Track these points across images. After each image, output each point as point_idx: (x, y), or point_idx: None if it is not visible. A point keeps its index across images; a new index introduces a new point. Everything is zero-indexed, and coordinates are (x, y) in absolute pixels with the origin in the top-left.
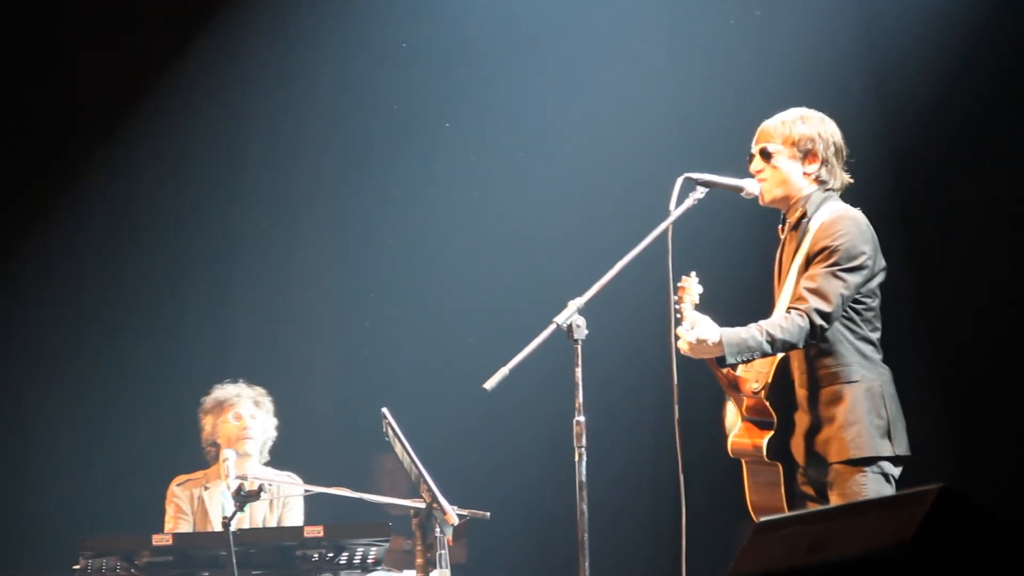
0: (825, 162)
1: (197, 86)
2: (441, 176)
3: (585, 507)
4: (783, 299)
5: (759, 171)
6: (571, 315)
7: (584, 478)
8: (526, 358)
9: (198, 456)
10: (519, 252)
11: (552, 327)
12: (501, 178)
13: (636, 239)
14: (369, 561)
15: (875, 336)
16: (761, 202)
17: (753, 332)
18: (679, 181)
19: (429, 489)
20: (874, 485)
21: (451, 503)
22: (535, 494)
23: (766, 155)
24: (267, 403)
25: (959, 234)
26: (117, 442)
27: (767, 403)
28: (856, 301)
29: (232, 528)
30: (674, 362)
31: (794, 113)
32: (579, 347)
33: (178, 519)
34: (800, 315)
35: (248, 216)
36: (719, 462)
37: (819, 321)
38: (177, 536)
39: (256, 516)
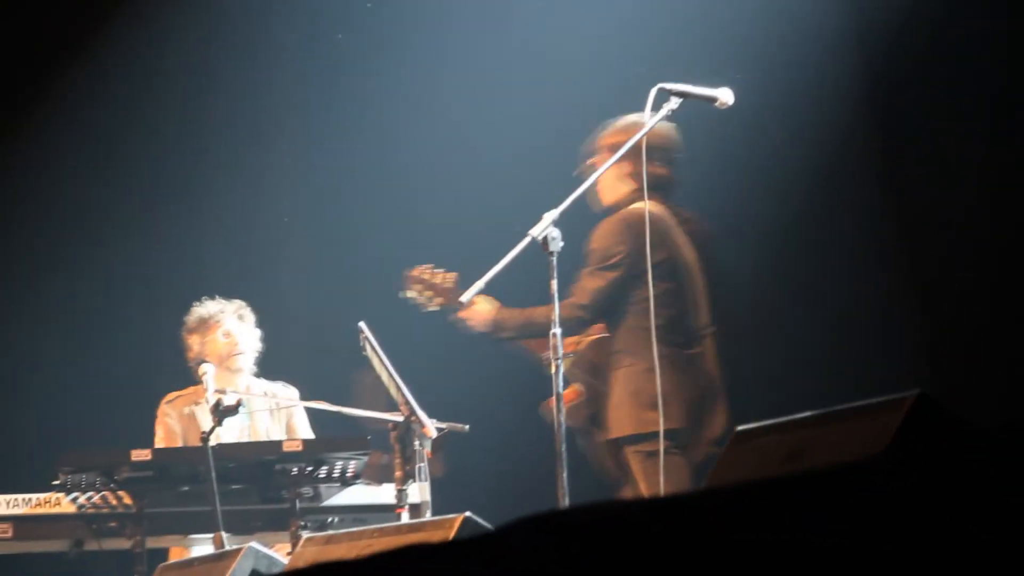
0: (633, 168)
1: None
2: (413, 88)
3: (563, 419)
4: None
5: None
6: (546, 227)
7: (561, 389)
8: (501, 270)
9: (182, 375)
10: (494, 165)
11: (527, 239)
12: (473, 91)
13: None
14: (348, 475)
15: (656, 322)
16: (601, 206)
17: (522, 314)
18: (653, 91)
19: (407, 402)
20: (641, 460)
21: (429, 416)
22: (513, 407)
23: (595, 164)
24: (249, 315)
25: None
26: (99, 363)
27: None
28: (628, 292)
29: (212, 442)
30: (649, 274)
31: (616, 126)
32: (554, 259)
33: (168, 438)
34: (566, 306)
35: (221, 131)
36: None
37: (578, 313)
38: (156, 451)
39: (259, 428)
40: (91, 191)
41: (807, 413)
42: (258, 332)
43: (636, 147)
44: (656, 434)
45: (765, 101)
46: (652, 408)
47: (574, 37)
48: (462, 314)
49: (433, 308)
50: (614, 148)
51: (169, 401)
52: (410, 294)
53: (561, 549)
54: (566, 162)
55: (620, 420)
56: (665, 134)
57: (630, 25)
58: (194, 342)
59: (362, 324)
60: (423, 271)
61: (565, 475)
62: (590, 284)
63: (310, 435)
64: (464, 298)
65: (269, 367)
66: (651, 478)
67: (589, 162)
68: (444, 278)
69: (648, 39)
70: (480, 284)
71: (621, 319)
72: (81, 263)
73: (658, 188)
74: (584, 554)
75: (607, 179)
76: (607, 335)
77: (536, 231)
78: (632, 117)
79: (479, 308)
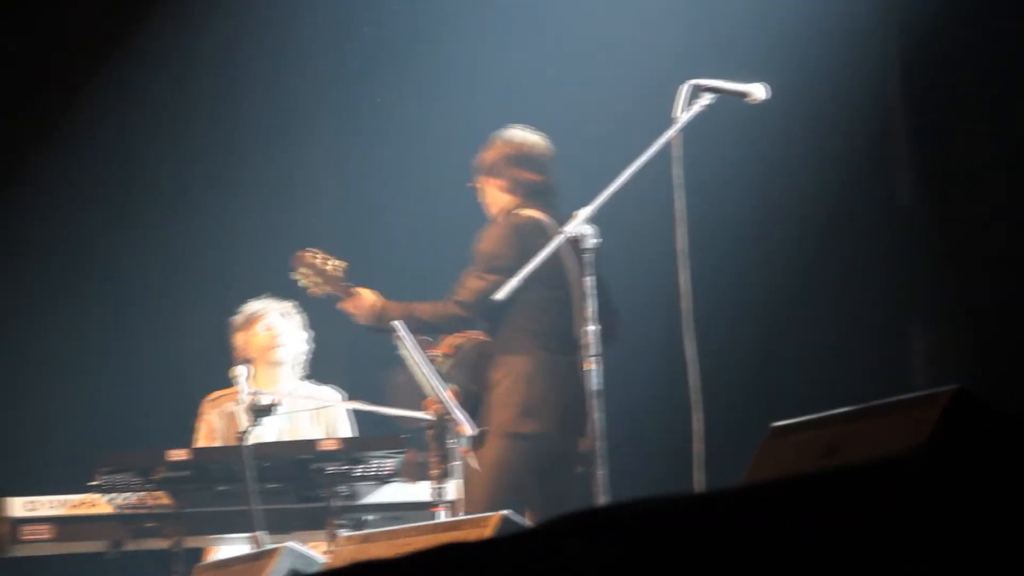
0: (507, 180)
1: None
2: (443, 85)
3: (600, 415)
4: None
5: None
6: (579, 225)
7: (598, 386)
8: (535, 268)
9: (223, 375)
10: None
11: (561, 237)
12: (505, 87)
13: (642, 147)
14: (384, 473)
15: (537, 328)
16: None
17: (404, 307)
18: (685, 88)
19: (442, 401)
20: (506, 454)
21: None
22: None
23: (479, 191)
24: (295, 316)
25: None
26: (138, 363)
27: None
28: (510, 299)
29: (248, 442)
30: (685, 273)
31: (489, 141)
32: (588, 256)
33: (209, 437)
34: (446, 303)
35: (251, 130)
36: (736, 365)
37: (456, 311)
38: (193, 451)
39: (299, 430)
40: (123, 190)
41: (844, 409)
42: (304, 334)
43: (506, 158)
44: (526, 436)
45: (796, 99)
46: (524, 412)
47: (606, 30)
48: (345, 304)
49: (318, 294)
50: (489, 166)
51: (211, 400)
52: (298, 276)
53: (600, 547)
54: (598, 159)
55: (494, 423)
56: (533, 142)
57: (660, 21)
58: (239, 340)
59: (397, 323)
60: (312, 255)
61: (603, 473)
62: (473, 284)
63: None
64: (501, 295)
65: (312, 370)
66: (497, 464)
67: (471, 183)
68: (333, 266)
69: (678, 35)
70: (514, 282)
71: (502, 323)
72: (119, 263)
73: (536, 195)
74: (623, 552)
75: (490, 196)
76: (486, 339)
77: (570, 229)
78: (514, 131)
79: (363, 299)
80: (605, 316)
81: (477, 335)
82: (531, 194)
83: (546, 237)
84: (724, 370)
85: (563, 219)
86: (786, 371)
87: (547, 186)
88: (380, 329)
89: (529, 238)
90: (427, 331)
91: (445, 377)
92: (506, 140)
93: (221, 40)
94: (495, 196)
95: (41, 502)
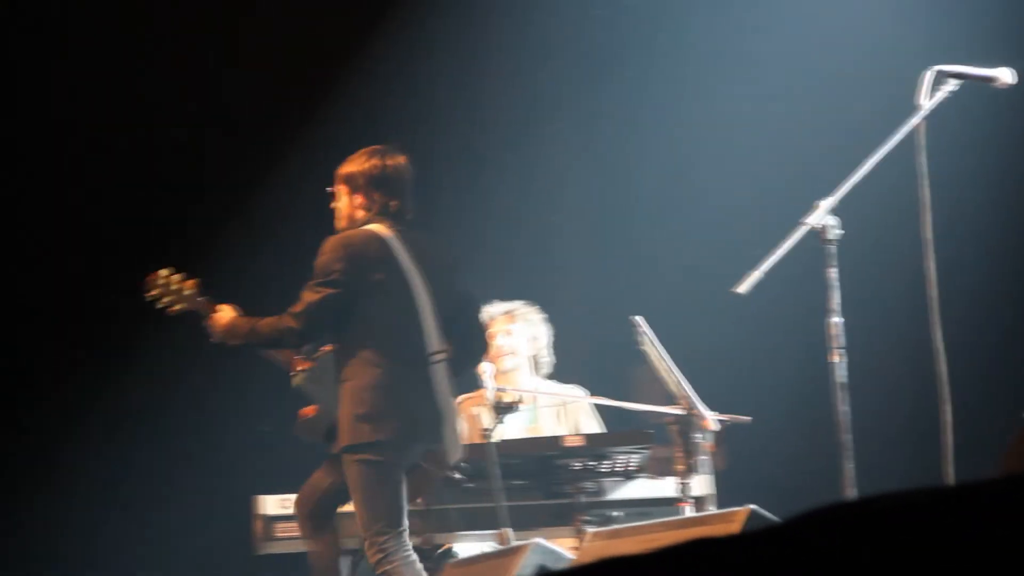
0: (367, 196)
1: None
2: (682, 76)
3: (846, 408)
4: None
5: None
6: (823, 215)
7: (843, 379)
8: (778, 260)
9: (470, 377)
10: (768, 153)
11: (803, 228)
12: (746, 75)
13: (886, 136)
14: (630, 469)
15: (377, 340)
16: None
17: (250, 322)
18: (929, 74)
19: (686, 395)
20: (356, 469)
21: (710, 409)
22: (795, 397)
23: (336, 196)
24: (526, 315)
25: None
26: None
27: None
28: (349, 309)
29: (493, 439)
30: (932, 262)
31: (354, 155)
32: (832, 247)
33: None
34: (283, 317)
35: (487, 129)
36: (985, 354)
37: (290, 323)
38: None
39: (544, 428)
40: None
41: None
42: (540, 331)
43: (372, 179)
44: (369, 444)
45: None
46: (366, 419)
47: (849, 17)
48: (209, 321)
49: (176, 312)
50: (352, 180)
51: (458, 403)
52: (151, 297)
53: (852, 541)
54: (841, 148)
55: (342, 432)
56: (401, 167)
57: (903, 7)
58: None
59: (638, 318)
60: (162, 275)
61: (851, 466)
62: (307, 297)
63: None
64: (742, 289)
65: (555, 368)
66: (360, 486)
67: (331, 189)
68: (183, 284)
69: (922, 21)
70: (758, 274)
71: (345, 336)
72: None
73: (388, 215)
74: (876, 546)
75: (344, 208)
76: (334, 351)
77: (813, 219)
78: (383, 149)
79: (220, 315)
80: (462, 332)
81: (327, 347)
82: (384, 213)
83: (385, 252)
84: (972, 360)
85: (417, 238)
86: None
87: (402, 210)
88: (232, 345)
89: (360, 250)
90: (269, 346)
91: (304, 392)
92: (376, 158)
93: (456, 41)
94: (349, 209)
95: (294, 500)
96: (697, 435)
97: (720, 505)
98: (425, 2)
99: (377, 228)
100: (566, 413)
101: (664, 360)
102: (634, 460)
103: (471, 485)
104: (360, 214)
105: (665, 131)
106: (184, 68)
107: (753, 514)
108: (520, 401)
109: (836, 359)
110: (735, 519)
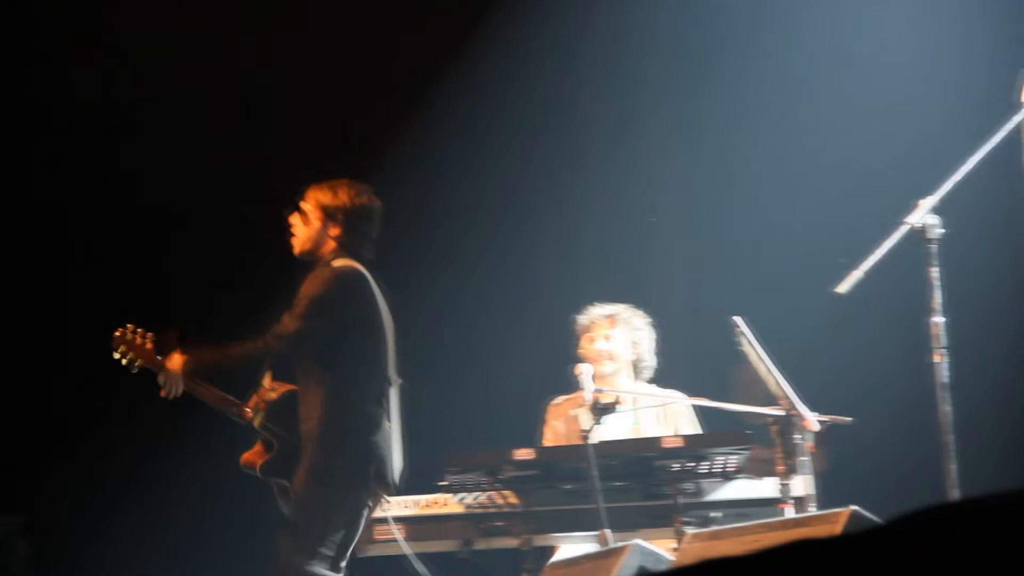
0: (347, 230)
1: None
2: (789, 78)
3: (948, 408)
4: None
5: (294, 225)
6: (924, 215)
7: (945, 379)
8: (879, 260)
9: (568, 376)
10: (869, 151)
11: (905, 228)
12: (848, 76)
13: (987, 134)
14: (730, 470)
15: (358, 376)
16: (294, 252)
17: (222, 350)
18: None
19: (786, 396)
20: (323, 499)
21: (810, 409)
22: (898, 397)
23: (302, 213)
24: (628, 319)
25: None
26: (486, 365)
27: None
28: (332, 345)
29: (592, 440)
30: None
31: (336, 184)
32: (934, 246)
33: (555, 441)
34: (265, 339)
35: (593, 124)
36: None
37: (273, 344)
38: (539, 450)
39: (644, 431)
40: (473, 194)
41: None
42: (643, 339)
43: (355, 212)
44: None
45: None
46: (350, 458)
47: (948, 14)
48: (160, 377)
49: (137, 368)
50: (331, 209)
51: (556, 404)
52: (117, 356)
53: (956, 542)
54: (941, 147)
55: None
56: (376, 203)
57: (1003, 3)
58: (583, 342)
59: (737, 318)
60: (128, 332)
61: (955, 467)
62: (291, 326)
63: None
64: (843, 289)
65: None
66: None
67: (301, 203)
68: (142, 339)
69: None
70: (859, 274)
71: (324, 370)
72: (470, 265)
73: (361, 252)
74: (981, 547)
75: (311, 234)
76: (294, 388)
77: (914, 218)
78: (355, 185)
79: (172, 366)
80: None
81: (285, 386)
82: (360, 251)
83: (369, 288)
84: None
85: (373, 274)
86: None
87: (371, 249)
88: (192, 391)
89: (357, 287)
90: (243, 361)
91: (259, 430)
92: (363, 195)
93: (557, 40)
94: (316, 237)
95: (394, 502)
96: (797, 436)
97: (821, 506)
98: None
99: (354, 264)
100: (667, 415)
101: (764, 360)
102: (733, 461)
103: (570, 486)
104: (330, 245)
105: (766, 130)
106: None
107: (855, 515)
108: (618, 402)
109: (938, 359)
110: (837, 520)
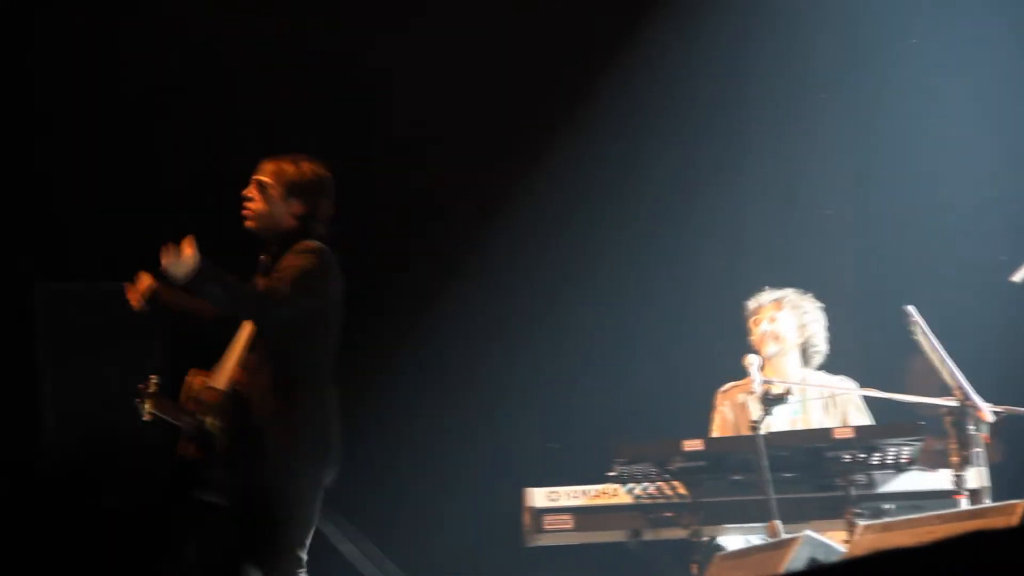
0: (309, 206)
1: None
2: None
3: None
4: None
5: (252, 199)
6: None
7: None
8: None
9: (739, 364)
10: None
11: None
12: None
13: None
14: (902, 461)
15: (328, 363)
16: (248, 225)
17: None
18: None
19: (961, 386)
20: (294, 496)
21: (985, 400)
22: None
23: (261, 187)
24: (796, 302)
25: None
26: (658, 352)
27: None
28: (308, 329)
29: (761, 431)
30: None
31: (297, 158)
32: None
33: (723, 428)
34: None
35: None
36: None
37: (284, 297)
38: (707, 441)
39: (811, 420)
40: (632, 180)
41: None
42: (812, 322)
43: (318, 186)
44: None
45: None
46: (320, 447)
47: None
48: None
49: (148, 417)
50: (292, 185)
51: (724, 391)
52: (147, 417)
53: None
54: None
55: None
56: (332, 182)
57: None
58: (751, 326)
59: (910, 308)
60: (151, 384)
61: None
62: (291, 284)
63: None
64: (1019, 278)
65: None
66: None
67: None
68: (150, 384)
69: None
70: None
71: (296, 358)
72: (636, 258)
73: (321, 230)
74: None
75: (270, 209)
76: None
77: None
78: (309, 159)
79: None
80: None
81: (215, 379)
82: (320, 229)
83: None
84: None
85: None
86: None
87: (328, 222)
88: (163, 411)
89: (335, 270)
90: (240, 306)
91: (214, 432)
92: (324, 171)
93: (728, 28)
94: (278, 212)
95: (562, 492)
96: (972, 427)
97: (995, 498)
98: None
99: (319, 243)
100: (834, 405)
101: (937, 350)
102: (906, 452)
103: (739, 477)
104: (290, 222)
105: (938, 117)
106: None
107: None
108: (788, 393)
109: None
110: (1013, 512)
